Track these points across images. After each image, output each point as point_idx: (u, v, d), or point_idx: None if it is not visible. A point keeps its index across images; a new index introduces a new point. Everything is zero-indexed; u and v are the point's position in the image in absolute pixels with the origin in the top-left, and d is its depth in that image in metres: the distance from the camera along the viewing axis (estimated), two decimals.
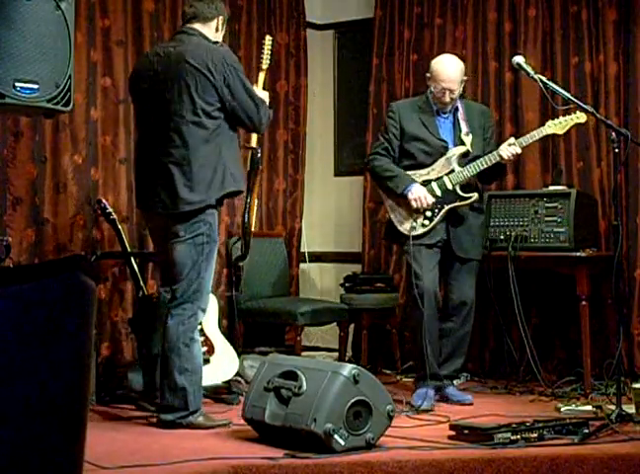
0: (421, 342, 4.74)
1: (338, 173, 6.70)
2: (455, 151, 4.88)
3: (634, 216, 5.47)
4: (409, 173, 4.87)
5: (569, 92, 4.61)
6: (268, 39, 4.55)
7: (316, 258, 6.60)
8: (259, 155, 4.65)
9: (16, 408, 1.68)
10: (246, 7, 6.09)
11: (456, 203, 4.85)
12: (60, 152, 4.95)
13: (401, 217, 4.88)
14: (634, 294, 5.42)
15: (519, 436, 3.68)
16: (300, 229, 6.48)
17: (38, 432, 1.71)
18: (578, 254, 5.08)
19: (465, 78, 4.97)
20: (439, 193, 4.84)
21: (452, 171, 4.84)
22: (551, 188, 5.45)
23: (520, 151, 4.83)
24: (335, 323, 5.93)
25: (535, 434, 3.72)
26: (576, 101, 4.29)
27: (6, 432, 1.67)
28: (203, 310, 4.25)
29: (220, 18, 4.25)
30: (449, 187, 4.83)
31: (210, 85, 4.06)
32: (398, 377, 5.76)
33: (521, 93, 5.83)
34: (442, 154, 4.87)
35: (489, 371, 5.76)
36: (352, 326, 6.04)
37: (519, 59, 4.44)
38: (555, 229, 5.18)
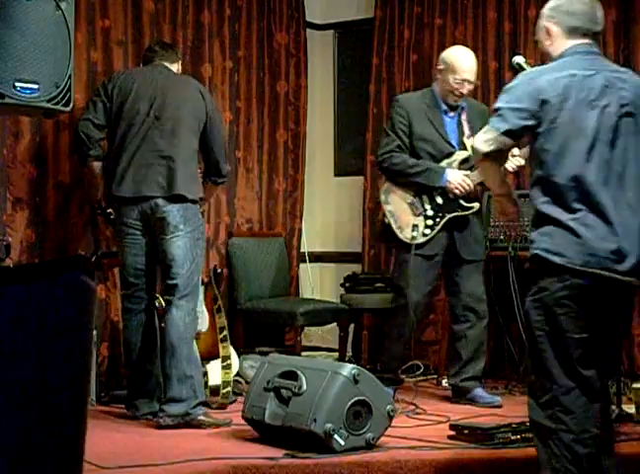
0: (395, 348, 4.89)
1: (338, 173, 6.69)
2: (457, 157, 4.82)
3: None
4: None
5: None
6: None
7: (316, 258, 6.59)
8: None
9: (16, 408, 1.68)
10: (246, 7, 6.08)
11: (458, 213, 4.80)
12: (60, 152, 4.95)
13: (401, 224, 4.82)
14: None
15: (518, 436, 3.68)
16: (300, 229, 6.47)
17: (37, 432, 1.71)
18: None
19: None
20: (440, 201, 4.80)
21: None
22: None
23: (522, 163, 4.70)
24: (335, 323, 5.92)
25: None
26: None
27: (6, 432, 1.68)
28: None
29: (180, 61, 4.74)
30: (451, 196, 4.79)
31: (201, 106, 4.41)
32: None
33: None
34: (447, 157, 4.82)
35: (489, 371, 5.75)
36: (352, 326, 6.03)
37: (519, 59, 4.41)
38: None
